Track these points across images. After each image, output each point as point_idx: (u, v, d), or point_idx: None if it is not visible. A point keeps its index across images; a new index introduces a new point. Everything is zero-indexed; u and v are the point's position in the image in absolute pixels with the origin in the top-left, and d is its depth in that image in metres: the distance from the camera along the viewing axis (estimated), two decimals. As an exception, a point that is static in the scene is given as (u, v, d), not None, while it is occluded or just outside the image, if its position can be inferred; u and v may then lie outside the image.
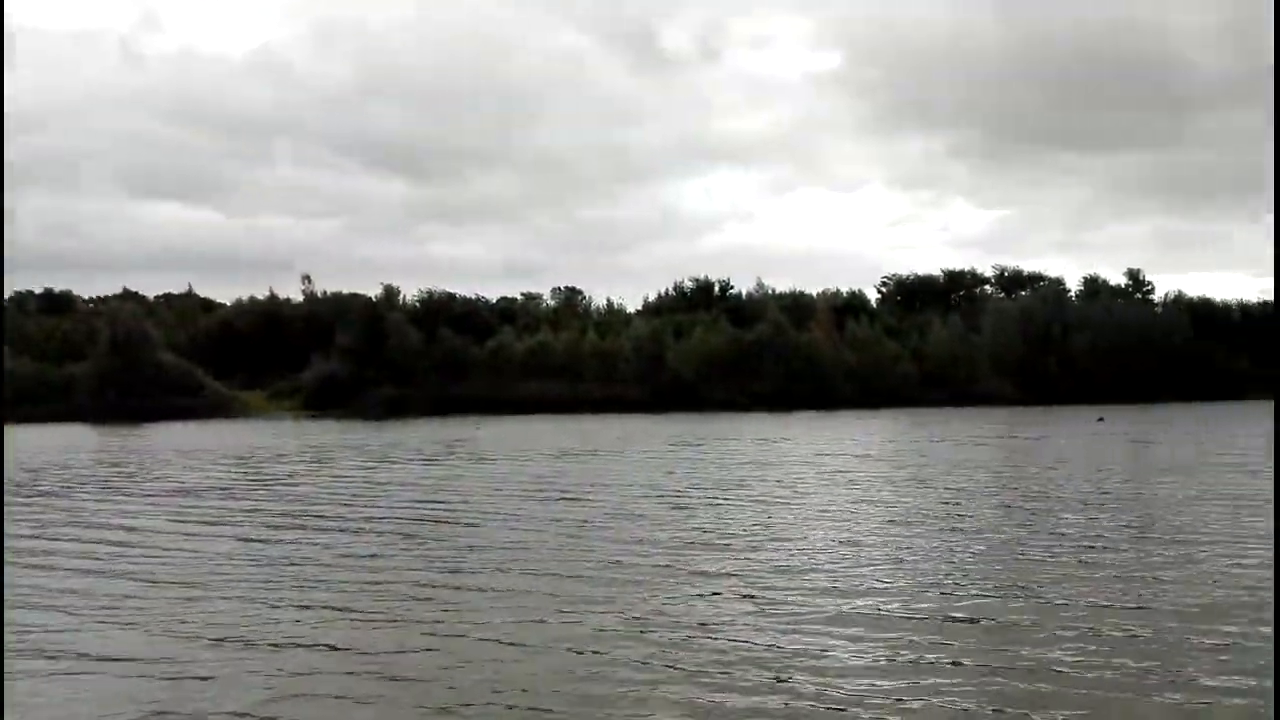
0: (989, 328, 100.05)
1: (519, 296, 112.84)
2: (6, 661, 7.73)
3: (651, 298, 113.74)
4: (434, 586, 10.76)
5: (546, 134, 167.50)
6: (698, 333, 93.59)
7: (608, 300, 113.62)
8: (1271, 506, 15.53)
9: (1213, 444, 31.95)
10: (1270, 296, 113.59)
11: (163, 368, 73.35)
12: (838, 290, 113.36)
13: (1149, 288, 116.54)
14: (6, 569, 11.10)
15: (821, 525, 14.67)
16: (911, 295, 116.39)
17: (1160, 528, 13.71)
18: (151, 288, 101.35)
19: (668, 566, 11.63)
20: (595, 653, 8.20)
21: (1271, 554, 11.56)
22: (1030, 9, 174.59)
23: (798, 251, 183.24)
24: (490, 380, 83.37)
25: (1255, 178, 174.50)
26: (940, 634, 8.57)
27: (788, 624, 8.95)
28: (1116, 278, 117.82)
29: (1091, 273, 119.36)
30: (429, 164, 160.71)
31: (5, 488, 20.17)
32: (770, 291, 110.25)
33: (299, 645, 8.56)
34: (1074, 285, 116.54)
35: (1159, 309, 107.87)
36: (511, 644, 8.45)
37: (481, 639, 8.62)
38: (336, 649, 8.42)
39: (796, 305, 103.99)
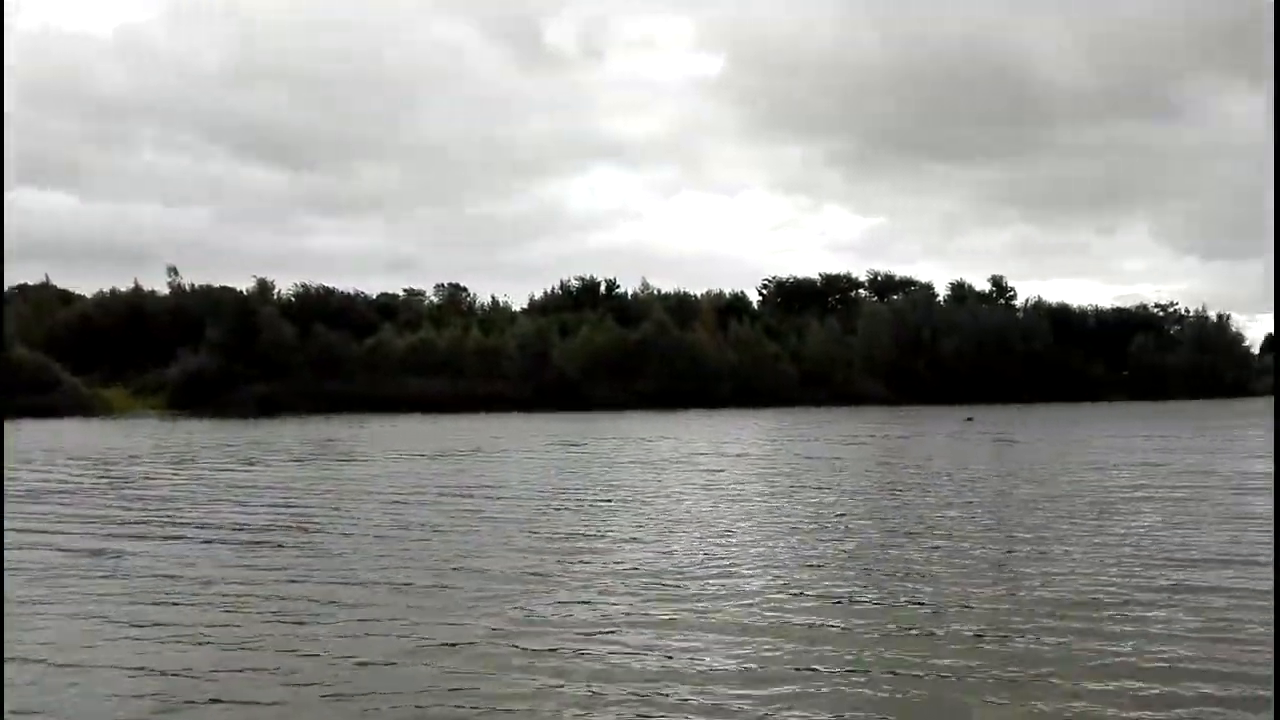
0: (863, 330, 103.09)
1: (400, 292, 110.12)
2: None
3: (538, 296, 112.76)
4: (288, 599, 9.93)
5: (429, 126, 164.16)
6: (583, 331, 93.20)
7: (492, 297, 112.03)
8: (1126, 506, 16.10)
9: (1072, 445, 33.35)
10: (1122, 304, 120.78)
11: (15, 363, 68.32)
12: (721, 291, 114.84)
13: (1011, 294, 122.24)
14: None
15: (698, 526, 14.38)
16: (791, 298, 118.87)
17: (1022, 526, 13.95)
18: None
19: (542, 570, 11.11)
20: (464, 662, 7.64)
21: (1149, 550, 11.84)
22: (905, 23, 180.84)
23: (683, 253, 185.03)
24: (369, 378, 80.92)
25: (1108, 190, 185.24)
26: (812, 637, 8.33)
27: (662, 629, 8.56)
28: (981, 284, 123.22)
29: (959, 279, 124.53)
30: (305, 153, 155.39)
31: None
32: (656, 292, 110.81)
33: (122, 669, 7.69)
34: (942, 290, 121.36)
35: (1020, 314, 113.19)
36: (373, 660, 7.78)
37: (341, 653, 7.93)
38: (165, 674, 7.58)
39: (681, 305, 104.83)
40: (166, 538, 13.78)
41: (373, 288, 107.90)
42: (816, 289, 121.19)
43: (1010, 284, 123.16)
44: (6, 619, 8.82)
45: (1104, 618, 8.61)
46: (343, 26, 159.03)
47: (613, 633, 8.46)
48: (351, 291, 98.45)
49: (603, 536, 13.49)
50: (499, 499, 17.95)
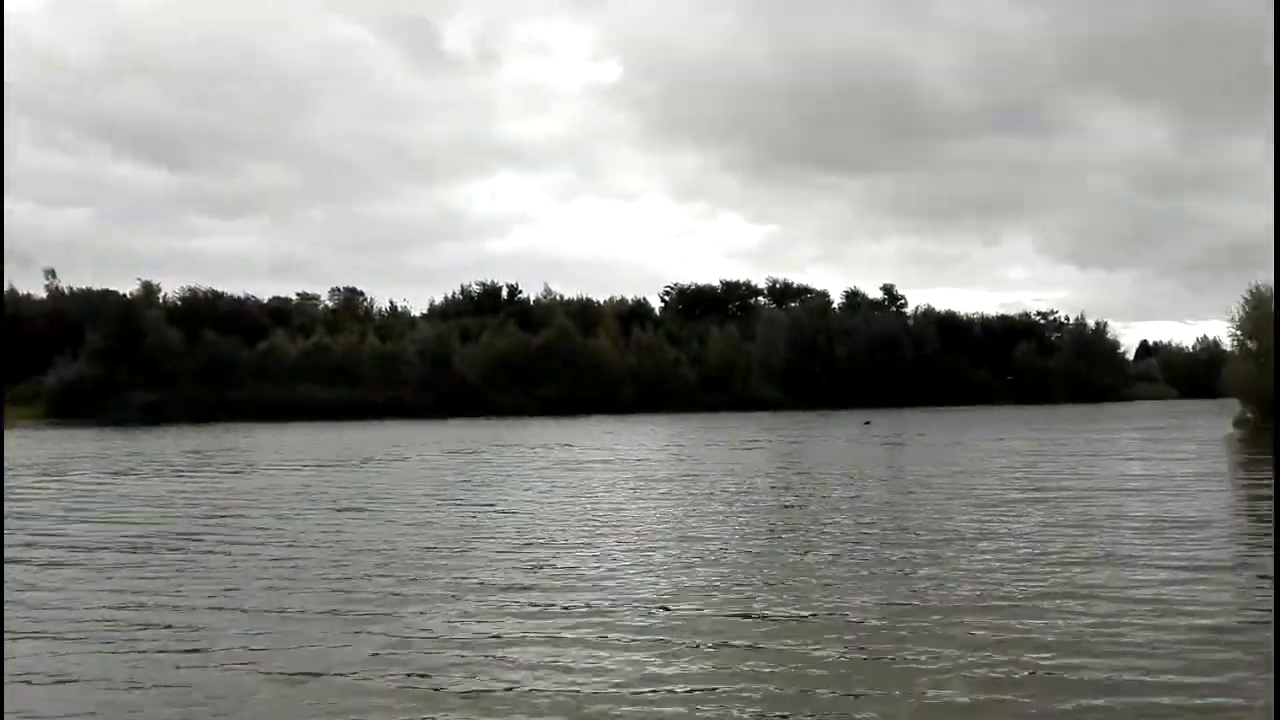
0: (761, 337, 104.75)
1: (294, 296, 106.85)
2: None
3: (438, 301, 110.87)
4: (157, 625, 9.14)
5: (321, 125, 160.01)
6: (485, 337, 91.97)
7: (391, 303, 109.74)
8: (1009, 508, 16.42)
9: (963, 448, 34.21)
10: (1006, 312, 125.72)
11: None
12: (623, 298, 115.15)
13: (902, 301, 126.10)
14: None
15: (596, 535, 14.02)
16: (692, 304, 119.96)
17: (915, 529, 14.04)
18: None
19: (431, 585, 10.56)
20: (339, 691, 7.08)
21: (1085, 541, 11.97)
22: (794, 36, 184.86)
23: (584, 258, 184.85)
24: (260, 385, 77.98)
25: (991, 202, 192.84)
26: (709, 642, 8.06)
27: (556, 645, 8.15)
28: (874, 291, 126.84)
29: (853, 286, 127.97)
30: (191, 151, 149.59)
31: None
32: (558, 297, 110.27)
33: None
34: (838, 298, 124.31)
35: (911, 321, 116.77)
36: (248, 690, 7.15)
37: (213, 683, 7.27)
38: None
39: (584, 311, 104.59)
40: (17, 560, 12.67)
41: (264, 291, 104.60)
42: (717, 296, 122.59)
43: (901, 292, 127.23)
44: None
45: (995, 622, 8.58)
46: (230, 22, 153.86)
47: (503, 651, 8.02)
48: (242, 295, 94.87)
49: (496, 548, 12.99)
50: (390, 510, 17.23)
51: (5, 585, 10.48)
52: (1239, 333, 47.62)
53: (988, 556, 11.68)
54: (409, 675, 7.40)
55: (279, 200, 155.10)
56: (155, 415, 67.72)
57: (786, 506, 17.12)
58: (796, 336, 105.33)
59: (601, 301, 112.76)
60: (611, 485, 21.19)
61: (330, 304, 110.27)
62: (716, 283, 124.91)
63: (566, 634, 8.51)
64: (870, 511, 16.04)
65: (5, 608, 9.53)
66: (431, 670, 7.49)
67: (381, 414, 77.07)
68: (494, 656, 7.86)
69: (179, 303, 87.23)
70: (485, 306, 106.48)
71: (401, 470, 26.04)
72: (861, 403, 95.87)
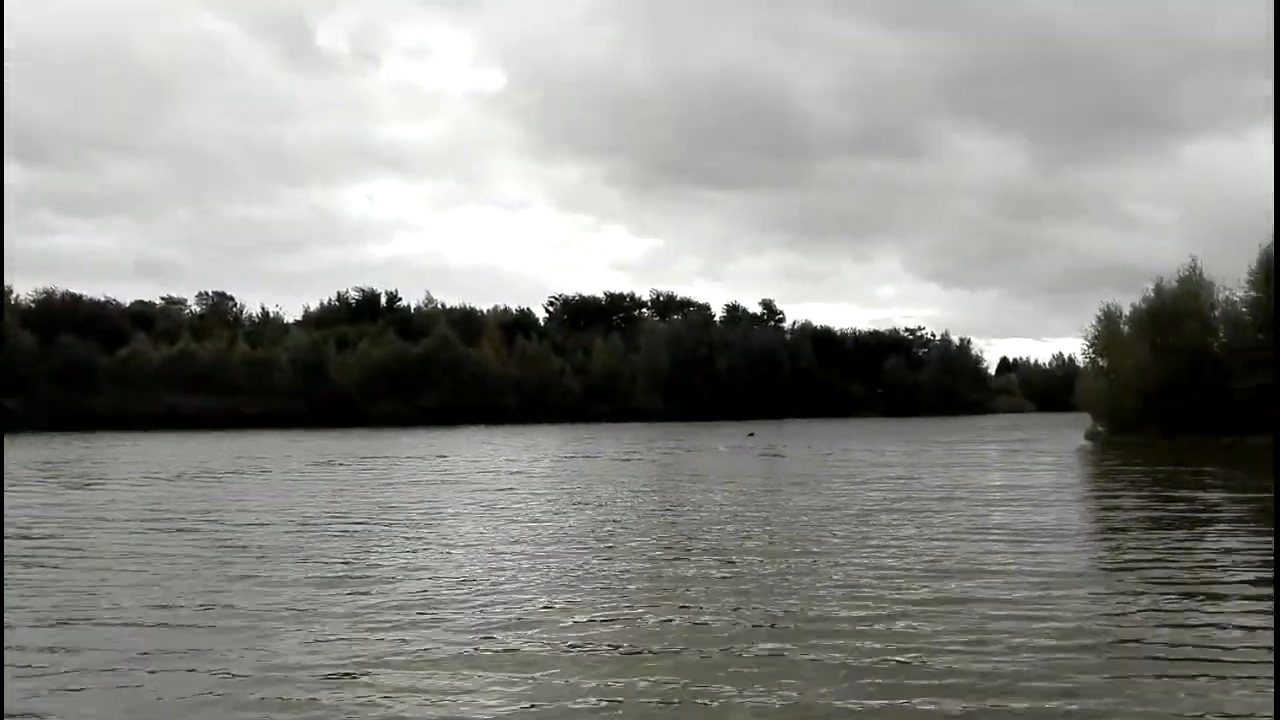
0: (644, 348, 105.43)
1: (158, 300, 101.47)
2: None
3: (313, 307, 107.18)
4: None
5: (187, 123, 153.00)
6: (363, 345, 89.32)
7: (262, 308, 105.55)
8: (874, 517, 16.70)
9: (839, 459, 34.92)
10: (877, 327, 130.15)
11: None
12: (507, 308, 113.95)
13: (780, 316, 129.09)
14: None
15: (473, 550, 13.49)
16: (577, 315, 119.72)
17: (792, 540, 14.06)
18: None
19: (295, 606, 9.87)
20: (206, 712, 6.45)
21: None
22: (675, 53, 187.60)
23: (467, 267, 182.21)
24: (120, 392, 73.64)
25: (862, 221, 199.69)
26: (586, 659, 7.74)
27: (431, 667, 7.67)
28: (754, 306, 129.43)
29: (733, 300, 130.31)
30: (46, 147, 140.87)
31: None
32: (440, 306, 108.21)
33: None
34: (719, 311, 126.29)
35: (788, 335, 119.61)
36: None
37: (47, 704, 6.51)
38: None
39: (467, 320, 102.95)
40: None
41: (125, 294, 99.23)
42: (601, 307, 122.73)
43: (780, 307, 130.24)
44: None
45: (871, 630, 8.55)
46: (91, 11, 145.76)
47: (373, 674, 7.49)
48: (102, 298, 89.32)
49: (365, 565, 12.32)
50: (252, 526, 16.24)
51: None
52: (1091, 350, 50.50)
53: (862, 567, 11.74)
54: (260, 703, 6.81)
55: (143, 199, 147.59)
56: (6, 424, 62.96)
57: (665, 518, 16.94)
58: (679, 349, 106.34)
59: (485, 311, 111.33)
60: (493, 496, 20.62)
61: (197, 309, 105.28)
62: (601, 294, 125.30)
63: (433, 655, 8.03)
64: (748, 523, 16.02)
65: None
66: (290, 700, 6.92)
67: (251, 424, 73.86)
68: (354, 683, 7.32)
69: (33, 305, 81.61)
70: (363, 314, 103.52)
71: (269, 483, 24.76)
72: (741, 414, 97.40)
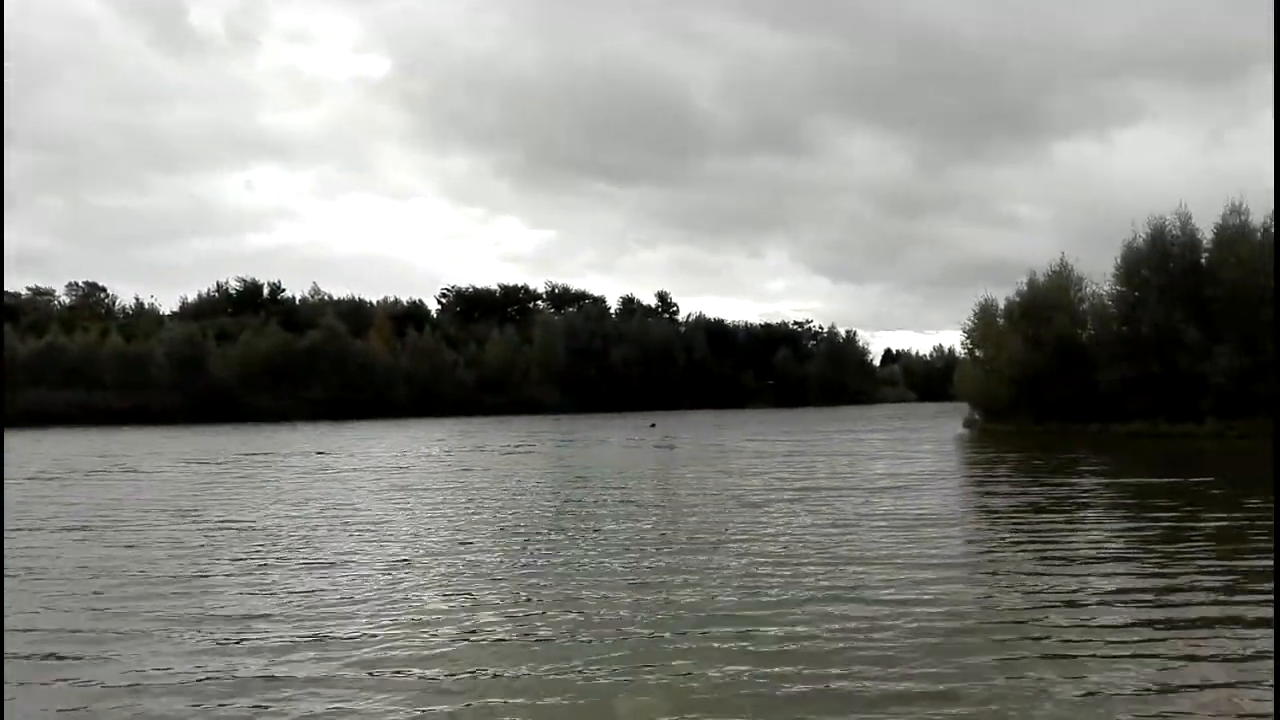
0: (539, 340, 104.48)
1: (24, 291, 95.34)
2: None
3: (191, 298, 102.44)
4: None
5: (58, 109, 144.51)
6: (244, 337, 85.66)
7: (137, 299, 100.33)
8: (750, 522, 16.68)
9: (732, 450, 35.06)
10: (768, 320, 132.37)
11: None
12: (397, 299, 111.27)
13: (675, 309, 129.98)
14: None
15: (345, 551, 12.78)
16: (470, 306, 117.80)
17: (688, 531, 13.85)
18: None
19: (155, 617, 9.06)
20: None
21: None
22: (568, 44, 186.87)
23: (354, 257, 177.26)
24: (-22, 387, 68.74)
25: (752, 217, 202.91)
26: (472, 660, 7.26)
27: (308, 685, 7.06)
28: (649, 298, 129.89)
29: (629, 293, 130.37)
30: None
31: None
32: (327, 297, 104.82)
33: None
34: (614, 304, 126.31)
35: (683, 328, 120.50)
36: None
37: None
38: None
39: (355, 312, 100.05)
40: None
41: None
42: (495, 299, 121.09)
43: (674, 300, 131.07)
44: None
45: (761, 616, 8.35)
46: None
47: (241, 695, 6.85)
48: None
49: (231, 571, 11.51)
50: (110, 530, 15.09)
51: None
52: (968, 342, 52.33)
53: (756, 557, 11.58)
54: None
55: (7, 186, 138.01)
56: None
57: (556, 514, 16.52)
58: (574, 341, 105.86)
59: (374, 302, 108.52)
60: (366, 496, 19.78)
61: (67, 300, 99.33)
62: (495, 286, 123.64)
63: (323, 674, 7.43)
64: (643, 516, 15.75)
65: None
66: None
67: (124, 420, 70.04)
68: (232, 703, 6.68)
69: (-122, 294, 75.51)
70: (245, 305, 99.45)
71: (135, 482, 23.25)
72: (636, 406, 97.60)
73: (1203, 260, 41.25)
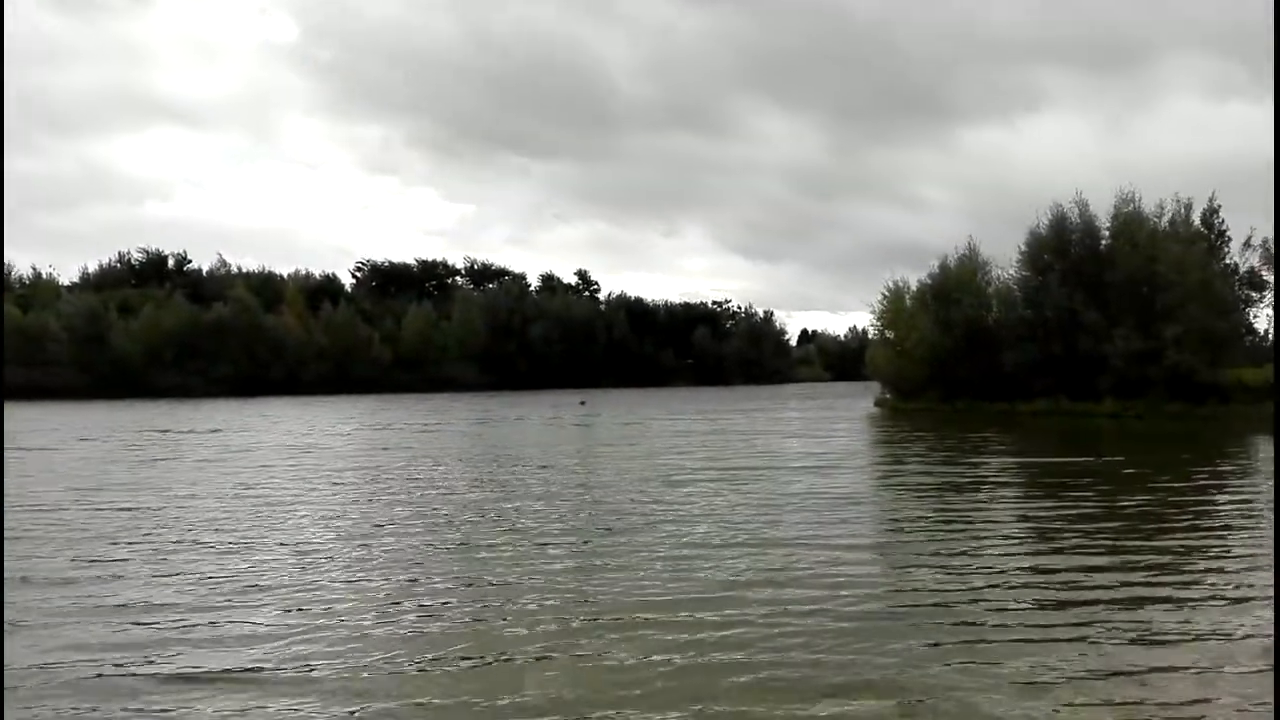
0: (458, 316, 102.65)
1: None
2: None
3: (92, 268, 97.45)
4: None
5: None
6: (148, 310, 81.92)
7: (34, 269, 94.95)
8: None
9: (658, 428, 34.81)
10: (687, 299, 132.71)
11: None
12: (310, 272, 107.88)
13: (596, 286, 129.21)
14: None
15: (235, 540, 12.01)
16: (386, 281, 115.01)
17: (608, 512, 13.44)
18: None
19: (25, 607, 8.24)
20: None
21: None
22: (481, 13, 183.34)
23: (263, 229, 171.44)
24: None
25: (670, 195, 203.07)
26: (386, 648, 6.71)
27: (204, 686, 6.40)
28: (569, 276, 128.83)
29: (548, 270, 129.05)
30: None
31: None
32: (235, 269, 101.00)
33: None
34: (535, 281, 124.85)
35: (603, 306, 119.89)
36: None
37: None
38: None
39: (266, 286, 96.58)
40: None
41: None
42: (413, 274, 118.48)
43: (594, 278, 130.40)
44: None
45: (683, 601, 7.98)
46: None
47: (136, 695, 6.16)
48: None
49: (123, 558, 10.64)
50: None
51: None
52: (879, 323, 53.11)
53: (680, 540, 11.22)
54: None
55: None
56: None
57: (472, 495, 15.91)
58: (494, 318, 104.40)
59: (285, 276, 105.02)
60: (269, 477, 18.85)
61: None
62: (412, 260, 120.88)
63: (210, 662, 6.76)
64: (564, 497, 15.27)
65: None
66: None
67: (21, 396, 66.33)
68: (120, 701, 5.98)
69: None
70: (148, 276, 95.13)
71: (12, 462, 21.75)
72: (557, 384, 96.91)
73: (1102, 246, 42.55)
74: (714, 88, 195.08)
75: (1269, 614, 7.74)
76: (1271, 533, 11.25)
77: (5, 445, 26.20)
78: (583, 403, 54.84)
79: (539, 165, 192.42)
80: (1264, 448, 23.31)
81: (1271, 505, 13.27)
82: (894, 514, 13.36)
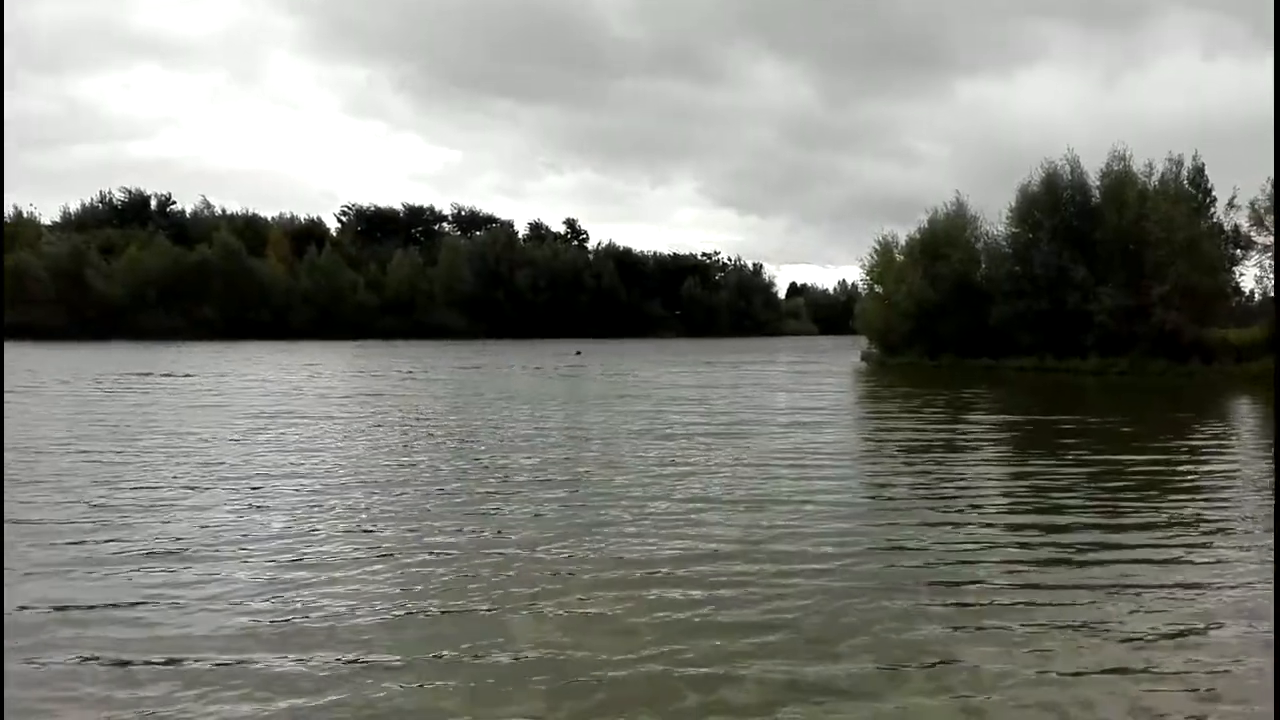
0: (445, 263, 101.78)
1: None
2: None
3: (73, 208, 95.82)
4: None
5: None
6: (131, 251, 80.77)
7: (16, 208, 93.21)
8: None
9: (651, 380, 34.73)
10: (677, 250, 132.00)
11: None
12: (295, 216, 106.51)
13: (585, 236, 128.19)
14: None
15: (220, 493, 11.83)
16: (372, 226, 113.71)
17: (606, 462, 13.32)
18: None
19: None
20: None
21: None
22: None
23: (247, 171, 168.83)
24: None
25: (659, 145, 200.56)
26: (376, 594, 6.58)
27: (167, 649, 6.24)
28: (558, 225, 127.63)
29: (537, 218, 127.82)
30: None
31: None
32: (220, 211, 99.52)
33: None
34: (522, 229, 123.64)
35: (592, 256, 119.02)
36: None
37: None
38: None
39: (250, 228, 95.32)
40: None
41: None
42: (399, 219, 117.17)
43: (583, 227, 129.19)
44: None
45: (672, 570, 7.88)
46: None
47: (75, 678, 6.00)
48: None
49: (70, 514, 10.44)
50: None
51: None
52: (868, 277, 52.94)
53: (672, 499, 11.09)
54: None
55: None
56: None
57: (456, 447, 15.74)
58: (481, 265, 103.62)
59: (270, 218, 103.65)
60: (261, 426, 18.61)
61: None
62: (399, 206, 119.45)
63: (162, 629, 6.60)
64: (550, 450, 15.12)
65: None
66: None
67: (7, 335, 65.53)
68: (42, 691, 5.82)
69: None
70: (131, 217, 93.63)
71: None
72: (543, 333, 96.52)
73: (1093, 204, 42.34)
74: (707, 32, 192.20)
75: (1263, 570, 7.73)
76: (1272, 496, 11.21)
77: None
78: (578, 353, 54.73)
79: (528, 111, 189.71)
80: (1252, 407, 23.41)
81: (1269, 472, 13.22)
82: (886, 473, 13.28)
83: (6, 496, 10.73)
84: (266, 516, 9.97)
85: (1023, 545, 8.93)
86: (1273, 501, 10.82)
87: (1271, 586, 7.43)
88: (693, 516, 10.06)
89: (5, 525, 9.26)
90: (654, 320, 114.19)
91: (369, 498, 11.05)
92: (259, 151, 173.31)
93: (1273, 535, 9.18)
